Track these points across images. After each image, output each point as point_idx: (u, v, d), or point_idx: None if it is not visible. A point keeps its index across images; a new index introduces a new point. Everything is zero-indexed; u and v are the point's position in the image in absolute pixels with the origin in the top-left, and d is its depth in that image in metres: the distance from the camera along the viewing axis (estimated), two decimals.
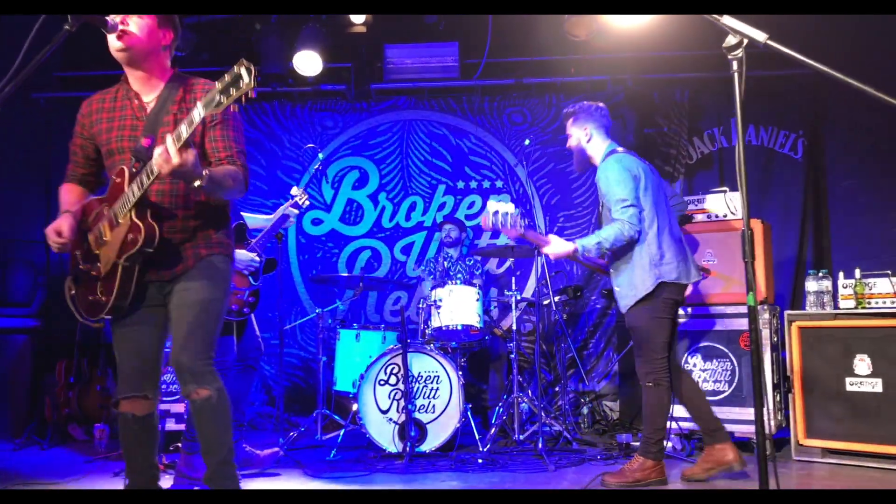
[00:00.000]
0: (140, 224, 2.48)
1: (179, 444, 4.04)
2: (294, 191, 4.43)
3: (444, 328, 4.79)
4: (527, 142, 4.86)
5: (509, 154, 6.38)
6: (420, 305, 5.01)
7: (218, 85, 2.27)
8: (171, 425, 4.73)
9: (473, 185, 6.41)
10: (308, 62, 5.82)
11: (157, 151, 2.34)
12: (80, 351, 5.81)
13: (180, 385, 2.61)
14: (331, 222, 6.48)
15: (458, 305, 4.80)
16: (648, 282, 3.69)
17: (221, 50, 6.23)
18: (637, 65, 6.09)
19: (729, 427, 4.45)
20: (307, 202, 4.44)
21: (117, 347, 2.69)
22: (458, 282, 4.99)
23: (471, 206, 6.39)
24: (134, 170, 2.53)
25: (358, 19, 5.81)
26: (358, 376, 4.88)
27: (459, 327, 4.78)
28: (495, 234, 6.32)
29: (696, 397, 3.83)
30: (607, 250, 3.73)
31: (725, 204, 4.72)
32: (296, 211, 4.35)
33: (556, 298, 5.24)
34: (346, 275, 5.26)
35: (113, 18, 2.56)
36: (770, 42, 1.95)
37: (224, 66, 6.26)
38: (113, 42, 2.60)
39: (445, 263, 5.71)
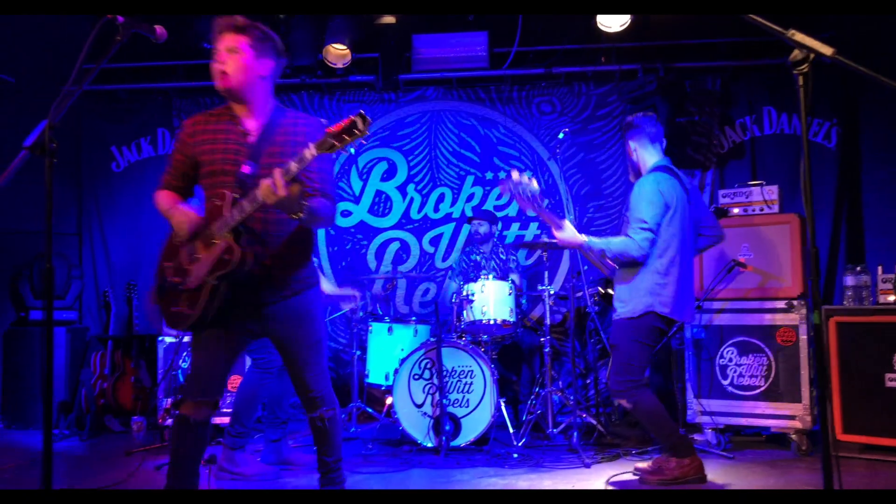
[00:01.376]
0: (235, 247, 2.55)
1: (222, 439, 4.10)
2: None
3: (476, 322, 4.80)
4: (561, 135, 4.80)
5: (538, 144, 6.34)
6: (453, 300, 5.02)
7: (333, 129, 2.38)
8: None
9: (502, 175, 6.38)
10: (337, 54, 5.80)
11: (265, 183, 2.41)
12: (115, 343, 5.89)
13: (307, 410, 2.85)
14: (360, 214, 6.49)
15: (491, 300, 4.81)
16: (640, 305, 3.70)
17: None
18: (669, 53, 6.02)
19: (764, 422, 4.48)
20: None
21: (195, 351, 2.75)
22: (492, 276, 4.99)
23: (499, 196, 6.36)
24: (235, 195, 2.59)
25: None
26: (390, 369, 4.92)
27: (492, 322, 4.79)
28: (524, 224, 6.30)
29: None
30: (610, 259, 3.76)
31: (763, 197, 4.67)
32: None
33: (590, 291, 5.22)
34: (380, 276, 5.27)
35: (216, 48, 2.66)
36: (837, 56, 1.90)
37: None
38: (216, 81, 2.68)
39: (477, 258, 5.70)
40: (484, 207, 6.26)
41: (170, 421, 4.90)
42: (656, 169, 3.84)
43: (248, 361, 4.30)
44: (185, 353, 5.11)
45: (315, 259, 2.98)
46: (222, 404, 4.70)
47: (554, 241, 4.76)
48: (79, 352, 5.98)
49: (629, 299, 3.73)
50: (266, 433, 4.29)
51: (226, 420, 4.59)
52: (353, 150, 2.49)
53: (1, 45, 6.04)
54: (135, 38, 2.58)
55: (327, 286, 4.41)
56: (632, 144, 3.95)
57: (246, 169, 2.63)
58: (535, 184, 3.62)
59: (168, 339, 5.35)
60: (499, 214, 6.13)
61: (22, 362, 5.90)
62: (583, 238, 3.74)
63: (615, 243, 3.68)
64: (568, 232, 3.76)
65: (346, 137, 2.37)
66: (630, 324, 3.72)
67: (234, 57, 2.64)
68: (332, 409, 2.86)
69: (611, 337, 3.87)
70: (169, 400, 5.07)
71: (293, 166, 2.42)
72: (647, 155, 3.92)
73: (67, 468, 4.43)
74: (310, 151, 2.41)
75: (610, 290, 4.13)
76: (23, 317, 6.04)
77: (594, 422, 4.85)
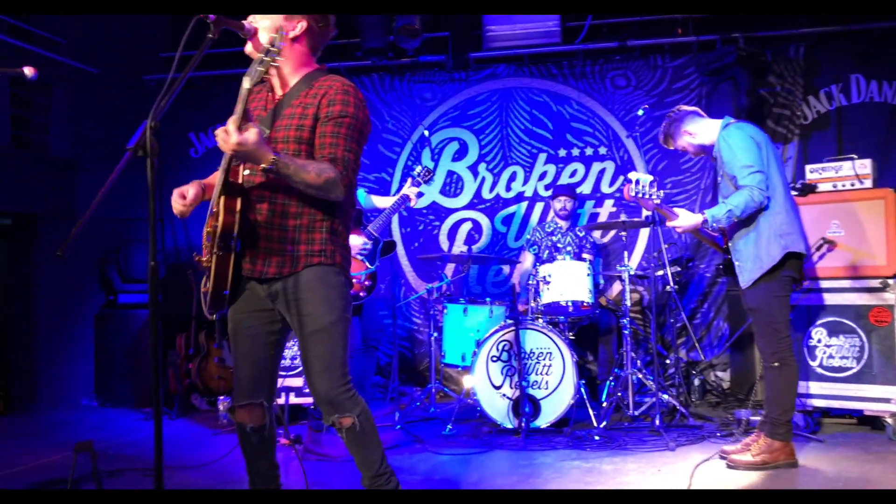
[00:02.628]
0: (220, 211, 2.39)
1: (307, 421, 4.20)
2: (416, 170, 4.48)
3: (553, 304, 4.77)
4: (640, 112, 4.70)
5: (613, 119, 6.22)
6: (529, 282, 5.00)
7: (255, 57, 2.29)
8: (292, 399, 4.90)
9: (575, 152, 6.30)
10: (408, 34, 5.79)
11: (218, 130, 2.28)
12: (198, 324, 6.07)
13: (322, 414, 2.53)
14: (431, 194, 6.50)
15: (568, 281, 4.77)
16: (775, 252, 3.58)
17: None
18: (748, 21, 5.79)
19: (857, 405, 4.34)
20: (428, 182, 4.48)
21: (232, 353, 2.63)
22: (568, 256, 4.95)
23: (573, 174, 6.28)
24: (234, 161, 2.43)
25: None
26: (466, 349, 4.94)
27: (570, 303, 4.75)
28: (599, 202, 6.21)
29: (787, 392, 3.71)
30: (738, 218, 3.60)
31: (854, 171, 4.48)
32: (416, 189, 4.41)
33: (671, 269, 5.12)
34: (455, 253, 5.28)
35: (250, 23, 2.57)
36: None
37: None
38: (247, 46, 2.59)
39: (554, 238, 5.65)
40: (558, 184, 6.18)
41: None
42: (728, 124, 3.78)
43: None
44: None
45: (342, 229, 2.61)
46: (305, 385, 4.83)
47: (635, 219, 4.72)
48: (165, 334, 6.19)
49: (761, 254, 3.60)
50: None
51: (309, 400, 4.71)
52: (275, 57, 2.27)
53: (85, 38, 6.23)
54: (206, 27, 2.57)
55: (355, 241, 4.32)
56: (689, 129, 3.88)
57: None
58: (648, 177, 3.64)
59: None
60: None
61: (112, 344, 6.17)
62: (701, 217, 3.64)
63: (736, 200, 3.55)
64: (685, 218, 3.68)
65: (266, 59, 2.26)
66: (765, 282, 3.61)
67: (262, 21, 2.55)
68: (350, 415, 2.47)
69: (746, 302, 3.75)
70: None
71: (239, 107, 2.28)
72: (707, 123, 3.86)
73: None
74: (244, 83, 2.30)
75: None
76: (111, 300, 6.29)
77: (676, 402, 4.78)
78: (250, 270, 2.50)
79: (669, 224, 3.75)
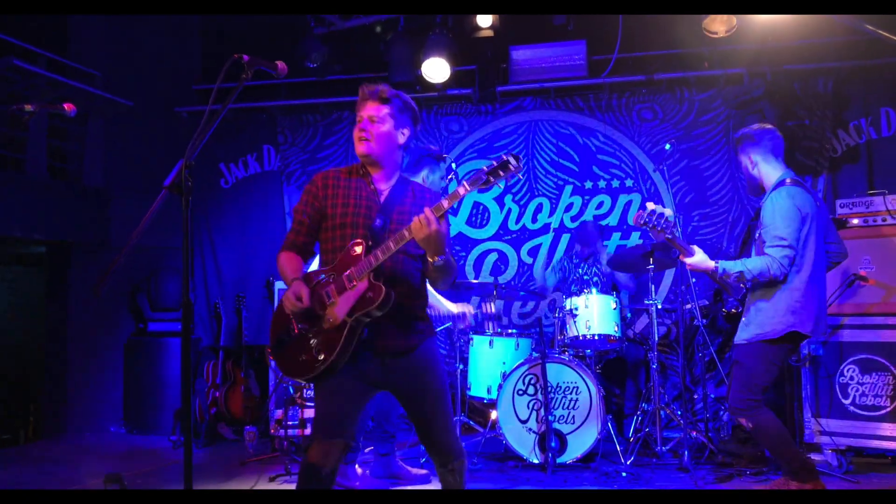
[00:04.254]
0: (379, 285, 2.57)
1: None
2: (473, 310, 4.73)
3: (580, 338, 4.76)
4: (668, 146, 4.70)
5: (639, 152, 6.22)
6: (556, 315, 4.98)
7: (485, 168, 2.48)
8: None
9: (602, 184, 6.30)
10: (436, 69, 5.86)
11: (418, 218, 2.45)
12: (226, 353, 6.13)
13: (436, 462, 2.78)
14: (457, 225, 6.53)
15: (595, 315, 4.75)
16: (780, 326, 3.55)
17: (352, 61, 6.38)
18: (776, 55, 5.77)
19: (891, 444, 4.25)
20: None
21: (320, 398, 2.75)
22: (595, 290, 4.93)
23: (599, 206, 6.28)
24: (369, 244, 2.63)
25: (485, 21, 5.77)
26: (493, 382, 4.92)
27: (597, 337, 4.73)
28: (625, 234, 6.20)
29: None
30: (747, 282, 3.60)
31: (885, 206, 4.43)
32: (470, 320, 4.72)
33: (699, 303, 5.07)
34: (478, 281, 5.29)
35: (360, 114, 2.74)
36: None
37: (354, 75, 6.46)
38: (357, 146, 2.75)
39: (580, 271, 5.64)
40: (583, 219, 6.17)
41: (281, 431, 5.07)
42: (782, 183, 3.69)
43: None
44: None
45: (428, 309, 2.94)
46: None
47: (652, 254, 4.69)
48: (192, 362, 6.24)
49: (766, 321, 3.58)
50: (375, 447, 4.37)
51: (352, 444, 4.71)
52: (502, 186, 2.49)
53: (119, 71, 6.39)
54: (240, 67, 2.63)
55: (445, 305, 4.49)
56: (753, 158, 3.79)
57: (378, 223, 2.68)
58: (669, 212, 3.56)
59: None
60: (601, 223, 6.05)
61: (141, 371, 6.24)
62: (712, 264, 3.61)
63: (753, 264, 3.53)
64: (699, 258, 3.64)
65: (501, 173, 2.47)
66: (765, 345, 3.58)
67: (376, 126, 2.72)
68: (462, 461, 2.78)
69: (735, 354, 3.72)
70: (280, 411, 5.23)
71: (445, 203, 2.47)
72: (771, 168, 3.77)
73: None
74: (463, 188, 2.48)
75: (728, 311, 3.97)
76: (141, 328, 6.37)
77: (704, 439, 4.71)
78: (382, 347, 2.68)
79: (682, 259, 3.70)
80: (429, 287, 4.33)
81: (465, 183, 2.47)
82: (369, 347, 2.66)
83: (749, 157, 3.81)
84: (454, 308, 4.53)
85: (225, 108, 2.41)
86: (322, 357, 2.60)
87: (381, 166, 2.79)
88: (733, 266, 3.57)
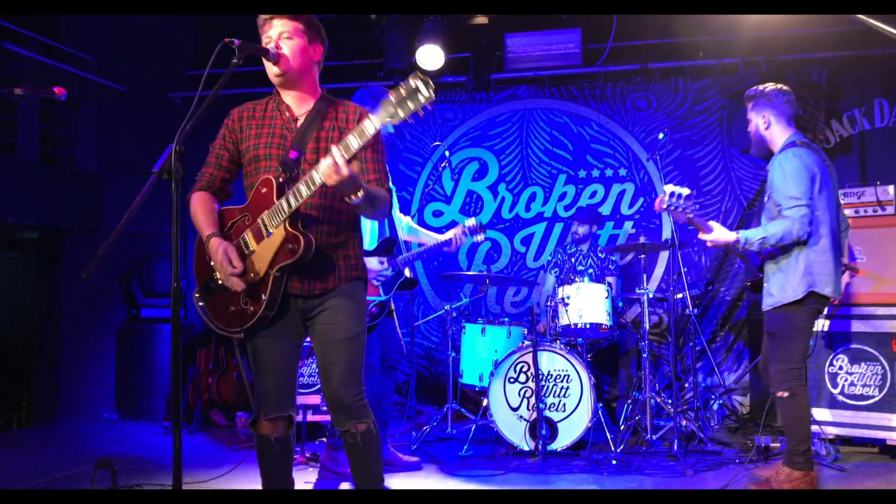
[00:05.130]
0: (298, 234, 2.47)
1: (325, 439, 4.21)
2: (469, 222, 4.25)
3: (572, 326, 4.77)
4: (661, 136, 4.70)
5: (633, 141, 6.22)
6: (548, 303, 4.99)
7: (393, 97, 2.26)
8: (309, 416, 4.94)
9: (595, 173, 6.30)
10: (430, 56, 5.85)
11: (326, 162, 2.31)
12: (217, 340, 6.12)
13: (335, 421, 2.63)
14: (451, 214, 6.53)
15: (586, 303, 4.76)
16: (800, 288, 3.54)
17: (346, 48, 6.34)
18: (770, 45, 5.78)
19: (879, 434, 4.28)
20: (482, 238, 4.36)
21: (255, 365, 2.65)
22: (587, 279, 4.94)
23: (592, 195, 6.28)
24: (280, 180, 2.53)
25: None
26: (484, 370, 4.94)
27: (588, 326, 4.75)
28: (618, 223, 6.21)
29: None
30: (770, 247, 3.56)
31: (876, 197, 4.44)
32: (465, 239, 4.32)
33: (690, 292, 5.09)
34: (472, 273, 5.28)
35: (272, 48, 2.61)
36: None
37: (348, 61, 6.43)
38: (270, 68, 2.64)
39: (573, 261, 5.65)
40: (578, 205, 6.19)
41: None
42: (792, 145, 3.66)
43: None
44: None
45: (361, 250, 2.79)
46: (322, 402, 4.85)
47: (643, 241, 4.71)
48: (185, 348, 6.25)
49: (786, 284, 3.57)
50: None
51: (327, 418, 4.73)
52: (410, 119, 2.29)
53: (112, 56, 6.36)
54: (230, 51, 2.56)
55: (432, 237, 4.40)
56: (766, 117, 3.74)
57: (293, 154, 2.57)
58: (686, 190, 3.53)
59: None
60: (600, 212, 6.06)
61: (134, 357, 6.23)
62: (734, 235, 3.59)
63: (774, 229, 3.51)
64: (718, 232, 3.62)
65: (411, 105, 2.24)
66: (787, 311, 3.58)
67: (290, 42, 2.61)
68: (366, 423, 2.61)
69: (766, 325, 3.72)
70: None
71: (353, 140, 2.35)
72: (781, 129, 3.73)
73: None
74: (371, 123, 2.32)
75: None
76: (134, 314, 6.37)
77: (694, 427, 4.74)
78: (299, 289, 2.60)
79: (702, 237, 3.68)
80: (414, 225, 4.27)
81: (372, 117, 2.31)
82: (299, 292, 2.59)
83: (763, 115, 3.75)
84: (442, 237, 4.36)
85: (214, 94, 2.39)
86: (251, 309, 2.53)
87: (296, 87, 2.67)
88: (755, 234, 3.54)
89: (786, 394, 3.58)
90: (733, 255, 5.56)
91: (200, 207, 2.69)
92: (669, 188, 3.55)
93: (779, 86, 3.80)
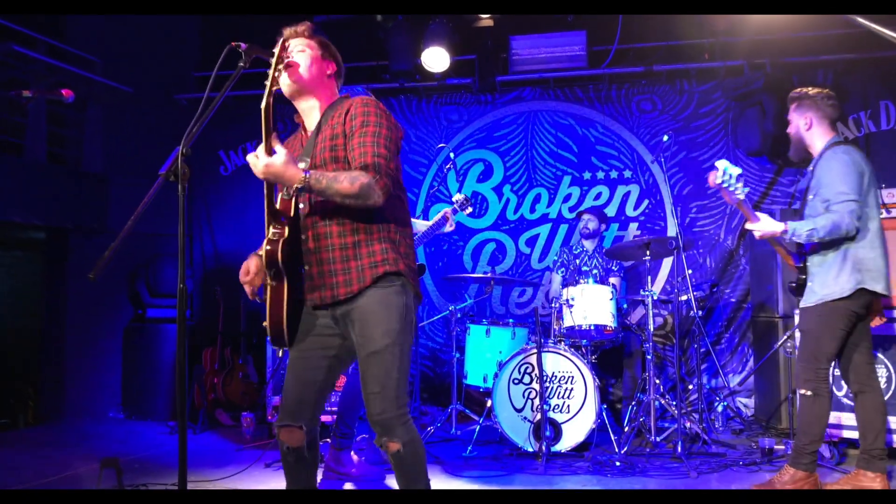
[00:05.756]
0: (269, 239, 2.43)
1: (329, 439, 4.23)
2: (456, 196, 4.43)
3: (576, 328, 4.78)
4: (665, 138, 4.70)
5: (638, 143, 6.23)
6: (553, 305, 5.00)
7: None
8: None
9: (600, 175, 6.31)
10: (435, 58, 5.87)
11: (248, 157, 2.37)
12: (224, 340, 6.15)
13: (375, 433, 2.53)
14: (456, 215, 6.51)
15: (591, 305, 4.77)
16: (848, 285, 3.50)
17: (351, 49, 6.34)
18: (776, 47, 5.79)
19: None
20: (469, 209, 4.46)
21: (287, 373, 2.65)
22: (592, 280, 4.95)
23: (597, 196, 6.29)
24: (292, 192, 2.49)
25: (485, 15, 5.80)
26: (489, 371, 4.96)
27: (592, 327, 4.75)
28: (623, 225, 6.21)
29: (876, 417, 3.64)
30: (819, 239, 3.52)
31: (882, 200, 4.43)
32: (454, 215, 4.42)
33: (695, 294, 5.09)
34: (477, 275, 5.30)
35: (289, 59, 2.61)
36: None
37: (353, 63, 6.45)
38: (283, 80, 2.63)
39: (577, 262, 5.65)
40: (584, 206, 6.20)
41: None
42: (837, 143, 3.65)
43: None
44: None
45: (399, 237, 2.62)
46: (327, 404, 4.86)
47: (648, 241, 4.71)
48: (191, 348, 6.27)
49: (831, 281, 3.53)
50: (369, 434, 4.40)
51: (330, 418, 4.75)
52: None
53: (119, 58, 6.39)
54: (237, 55, 2.58)
55: (419, 223, 4.46)
56: (809, 118, 3.72)
57: (301, 166, 2.50)
58: (738, 170, 3.47)
59: None
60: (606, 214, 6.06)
61: (140, 357, 6.26)
62: (781, 226, 3.55)
63: (823, 221, 3.47)
64: (766, 223, 3.58)
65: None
66: (831, 307, 3.53)
67: (302, 54, 2.63)
68: (398, 442, 2.46)
69: (801, 322, 3.70)
70: (277, 398, 5.25)
71: (264, 131, 2.38)
72: (823, 131, 3.71)
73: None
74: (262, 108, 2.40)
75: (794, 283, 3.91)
76: (140, 314, 6.40)
77: (698, 429, 4.75)
78: (313, 300, 2.56)
79: (748, 225, 3.65)
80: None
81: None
82: (315, 303, 2.56)
83: (806, 116, 3.73)
84: (434, 220, 4.44)
85: (221, 96, 2.42)
86: (264, 324, 2.54)
87: (312, 97, 2.64)
88: (802, 226, 3.51)
89: (809, 392, 3.57)
90: (776, 253, 5.47)
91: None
92: (723, 164, 3.48)
93: (825, 90, 3.79)
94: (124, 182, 6.42)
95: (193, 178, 6.86)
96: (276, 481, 4.06)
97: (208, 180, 6.89)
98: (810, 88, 3.80)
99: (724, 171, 3.46)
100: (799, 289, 3.76)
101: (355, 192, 2.37)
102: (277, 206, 2.48)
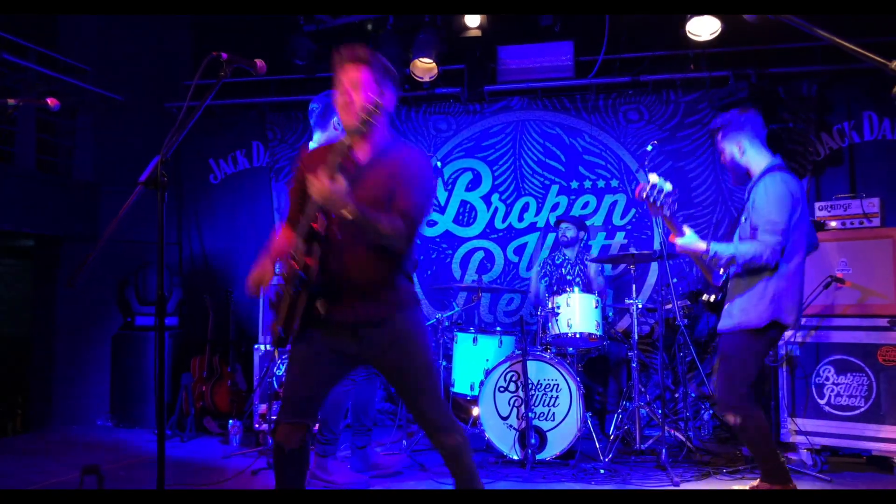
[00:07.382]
0: (298, 254, 2.55)
1: (311, 447, 4.24)
2: None
3: (562, 336, 4.81)
4: (650, 147, 4.73)
5: (625, 153, 6.27)
6: (538, 313, 5.03)
7: None
8: None
9: (588, 184, 6.35)
10: (424, 68, 5.91)
11: (310, 178, 2.41)
12: (212, 348, 6.16)
13: (430, 439, 2.79)
14: (444, 223, 6.58)
15: (576, 313, 4.80)
16: (764, 315, 3.47)
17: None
18: (761, 58, 5.85)
19: (865, 444, 4.31)
20: None
21: (288, 371, 2.73)
22: (577, 289, 4.98)
23: (585, 206, 6.33)
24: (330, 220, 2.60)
25: (473, 21, 5.84)
26: (475, 379, 4.98)
27: (578, 335, 4.78)
28: (610, 234, 6.25)
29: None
30: (737, 266, 3.52)
31: (863, 209, 4.49)
32: None
33: (679, 303, 5.13)
34: (465, 285, 5.33)
35: (341, 81, 2.63)
36: None
37: None
38: (343, 116, 2.66)
39: (563, 270, 5.69)
40: (571, 215, 6.24)
41: (265, 426, 5.11)
42: (777, 168, 3.57)
43: None
44: (279, 361, 5.30)
45: (411, 281, 2.81)
46: None
47: (633, 252, 4.75)
48: (180, 356, 6.28)
49: (750, 308, 3.50)
50: (352, 440, 4.41)
51: (315, 426, 4.76)
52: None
53: (110, 66, 6.42)
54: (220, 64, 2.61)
55: None
56: (742, 144, 3.64)
57: None
58: (669, 186, 3.44)
59: (264, 347, 5.55)
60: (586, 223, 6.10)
61: (129, 365, 6.26)
62: (703, 245, 3.49)
63: (745, 249, 3.44)
64: (689, 239, 3.51)
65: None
66: (749, 335, 3.51)
67: (358, 92, 2.60)
68: (454, 436, 2.73)
69: (721, 348, 3.66)
70: (264, 406, 5.27)
71: (331, 160, 2.47)
72: (757, 153, 3.63)
73: (169, 469, 4.67)
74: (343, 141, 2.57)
75: (704, 299, 3.92)
76: (129, 322, 6.40)
77: (683, 437, 4.77)
78: (342, 315, 2.63)
79: (673, 239, 3.59)
80: None
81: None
82: (338, 318, 2.63)
83: (737, 143, 3.65)
84: None
85: (202, 106, 2.45)
86: (275, 327, 2.66)
87: (366, 134, 2.64)
88: (725, 249, 3.48)
89: (739, 419, 3.51)
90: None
91: (277, 239, 2.81)
92: (654, 178, 3.45)
93: (742, 108, 3.76)
94: (115, 190, 6.44)
95: (182, 186, 6.94)
96: (263, 488, 4.07)
97: (198, 188, 6.91)
98: (730, 112, 3.75)
99: (654, 187, 3.43)
100: (713, 307, 3.75)
101: (388, 234, 2.52)
102: (315, 225, 2.57)
